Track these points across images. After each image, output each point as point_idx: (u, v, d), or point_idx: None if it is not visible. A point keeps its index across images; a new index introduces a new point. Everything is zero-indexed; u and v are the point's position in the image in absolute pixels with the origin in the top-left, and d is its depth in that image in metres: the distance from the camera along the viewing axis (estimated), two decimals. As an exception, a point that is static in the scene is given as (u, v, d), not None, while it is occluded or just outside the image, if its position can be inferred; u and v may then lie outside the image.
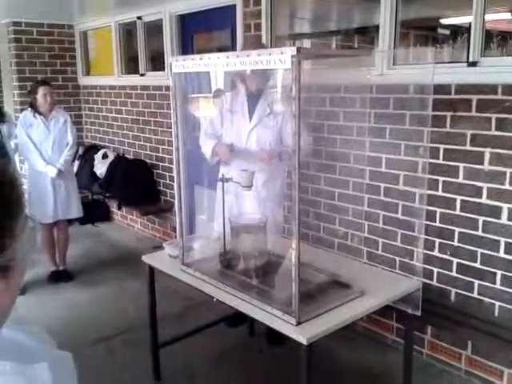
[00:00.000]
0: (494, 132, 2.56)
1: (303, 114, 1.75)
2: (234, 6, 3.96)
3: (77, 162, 5.74)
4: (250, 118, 2.93)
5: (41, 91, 4.06)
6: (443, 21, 3.26)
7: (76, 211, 4.36)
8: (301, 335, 1.80)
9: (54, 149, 4.13)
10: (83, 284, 4.19)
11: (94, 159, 5.58)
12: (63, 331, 3.40)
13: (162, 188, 5.21)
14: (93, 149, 5.92)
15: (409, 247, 2.96)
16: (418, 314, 2.20)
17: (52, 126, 4.13)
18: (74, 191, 4.34)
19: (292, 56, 1.68)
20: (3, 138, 4.00)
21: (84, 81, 6.25)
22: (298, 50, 1.68)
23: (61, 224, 4.30)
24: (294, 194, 1.79)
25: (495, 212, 2.59)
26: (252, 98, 2.95)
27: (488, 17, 2.62)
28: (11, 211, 0.67)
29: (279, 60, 1.75)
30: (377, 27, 3.09)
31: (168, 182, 5.10)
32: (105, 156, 5.55)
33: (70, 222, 4.52)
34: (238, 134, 2.96)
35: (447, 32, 3.31)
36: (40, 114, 4.09)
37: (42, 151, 4.09)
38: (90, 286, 4.15)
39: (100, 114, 6.08)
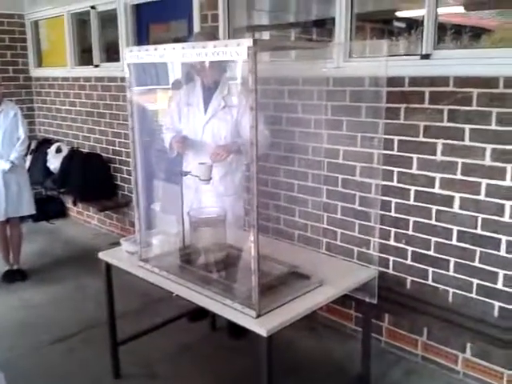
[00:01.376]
0: (446, 123, 2.63)
1: (260, 107, 1.75)
2: (191, -4, 3.91)
3: (29, 157, 5.54)
4: (205, 111, 2.90)
5: None
6: (399, 14, 3.31)
7: (27, 208, 4.19)
8: (261, 327, 1.81)
9: (3, 143, 3.96)
10: (39, 283, 4.06)
11: (47, 153, 5.40)
12: (20, 332, 3.30)
13: (119, 182, 5.10)
14: (46, 143, 5.74)
15: (366, 237, 3.01)
16: (375, 302, 2.25)
17: (1, 119, 3.96)
18: (25, 187, 4.17)
19: (248, 47, 1.67)
20: None
21: (36, 72, 6.03)
22: (255, 41, 1.67)
23: (13, 221, 4.15)
24: (252, 186, 1.78)
25: (448, 201, 2.67)
26: (208, 90, 2.92)
27: (441, 10, 2.68)
28: None
29: (235, 52, 1.73)
30: (334, 20, 3.11)
31: (125, 176, 5.00)
32: (58, 150, 5.39)
33: (22, 219, 4.36)
34: (194, 127, 2.93)
35: (403, 25, 3.36)
36: None
37: None
38: (47, 284, 4.03)
39: (53, 106, 5.89)
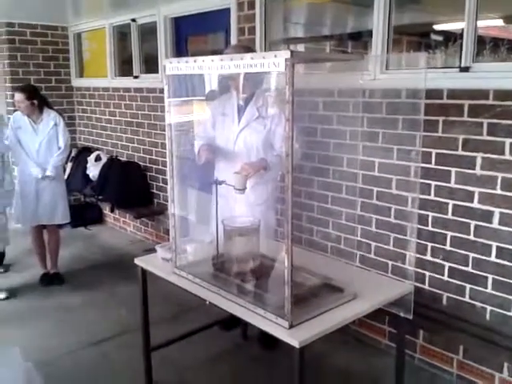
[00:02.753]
0: (485, 137, 2.58)
1: (295, 119, 1.77)
2: (229, 9, 3.98)
3: (70, 165, 5.72)
4: (239, 121, 2.93)
5: (14, 98, 4.06)
6: (436, 27, 3.28)
7: (61, 217, 4.26)
8: (293, 338, 1.80)
9: (40, 152, 4.08)
10: (75, 287, 4.17)
11: (86, 161, 5.55)
12: (55, 335, 3.39)
13: (155, 191, 5.20)
14: (86, 151, 5.91)
15: (401, 251, 2.97)
16: (410, 317, 2.20)
17: (40, 129, 4.09)
18: (61, 196, 4.25)
19: (286, 59, 1.68)
20: None
21: (77, 82, 6.23)
22: (292, 53, 1.69)
23: (50, 228, 4.27)
24: (287, 197, 1.79)
25: (487, 216, 2.61)
26: (243, 101, 2.95)
27: (480, 23, 2.65)
28: None
29: (273, 63, 1.75)
30: (370, 32, 3.11)
31: (161, 184, 5.09)
32: (98, 158, 5.53)
33: (60, 225, 4.48)
34: (227, 137, 2.96)
35: (440, 38, 3.34)
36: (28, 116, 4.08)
37: (29, 154, 4.07)
38: (83, 289, 4.13)
39: (93, 115, 6.07)
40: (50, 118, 4.14)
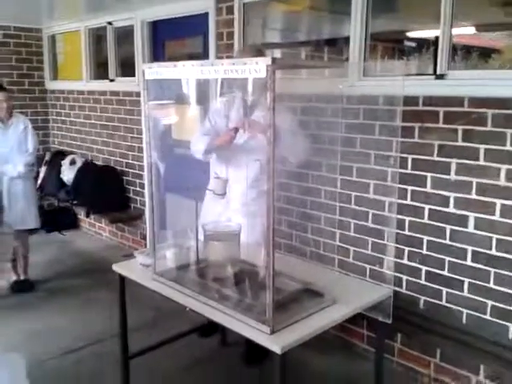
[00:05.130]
0: (460, 143, 2.63)
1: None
2: (207, 14, 3.97)
3: (43, 168, 5.60)
4: (245, 129, 2.85)
5: None
6: (410, 34, 3.35)
7: (33, 222, 4.19)
8: (275, 344, 1.80)
9: (12, 156, 4.01)
10: (49, 294, 4.08)
11: (61, 165, 5.45)
12: (29, 343, 3.31)
13: (131, 195, 5.14)
14: (60, 155, 5.80)
15: (379, 255, 3.00)
16: (389, 321, 2.23)
17: (10, 132, 4.02)
18: (32, 201, 4.18)
19: (267, 66, 1.69)
20: None
21: (51, 85, 6.13)
22: (273, 60, 1.69)
23: (20, 233, 4.17)
24: (269, 202, 1.79)
25: (462, 221, 2.66)
26: (248, 107, 2.85)
27: (454, 31, 2.70)
28: None
29: (254, 69, 1.75)
30: (345, 39, 3.16)
31: (138, 189, 5.04)
32: (72, 162, 5.44)
33: (33, 230, 4.39)
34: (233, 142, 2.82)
35: (413, 44, 3.40)
36: None
37: (0, 157, 3.98)
38: (57, 295, 4.05)
39: (68, 119, 5.97)
40: (19, 121, 4.09)
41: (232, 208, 2.86)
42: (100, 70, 5.48)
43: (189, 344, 3.12)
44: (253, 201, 2.77)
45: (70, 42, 5.82)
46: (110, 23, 5.07)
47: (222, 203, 2.81)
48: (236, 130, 2.74)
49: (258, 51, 2.86)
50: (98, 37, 5.47)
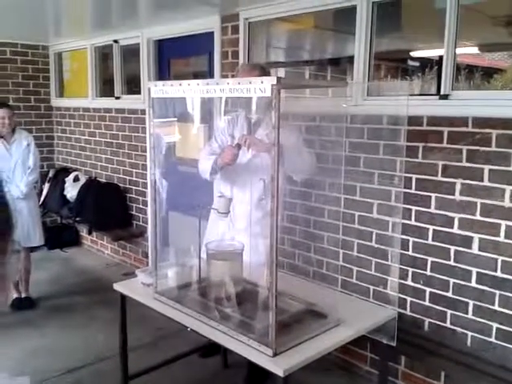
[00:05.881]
0: (465, 163, 2.62)
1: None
2: (212, 33, 4.00)
3: (47, 185, 5.61)
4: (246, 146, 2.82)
5: None
6: (414, 53, 3.37)
7: (37, 239, 4.21)
8: (277, 367, 1.77)
9: (15, 173, 4.04)
10: (50, 312, 4.04)
11: (64, 182, 5.46)
12: (28, 361, 3.27)
13: (134, 212, 5.13)
14: (64, 171, 5.80)
15: (383, 276, 2.97)
16: (393, 344, 2.19)
17: (13, 149, 4.05)
18: (36, 218, 4.21)
19: (272, 85, 1.69)
20: None
21: (57, 102, 6.17)
22: (278, 79, 1.70)
23: (23, 251, 4.17)
24: (272, 221, 1.78)
25: (467, 242, 2.64)
26: (252, 126, 2.84)
27: (457, 51, 2.71)
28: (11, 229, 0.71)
29: (259, 89, 1.76)
30: (349, 58, 3.17)
31: (141, 206, 5.03)
32: (76, 179, 5.45)
33: (36, 247, 4.37)
34: (237, 161, 2.76)
35: (417, 64, 3.42)
36: (1, 136, 4.00)
37: (3, 175, 3.98)
38: (58, 313, 4.01)
39: (72, 136, 6.00)
40: (22, 137, 4.13)
41: (236, 228, 2.83)
42: (106, 88, 5.52)
43: (190, 364, 3.08)
44: (257, 221, 2.74)
45: (77, 60, 5.88)
46: (116, 41, 5.12)
47: (227, 222, 2.79)
48: (238, 146, 2.71)
49: (261, 69, 2.85)
50: (104, 55, 5.52)
